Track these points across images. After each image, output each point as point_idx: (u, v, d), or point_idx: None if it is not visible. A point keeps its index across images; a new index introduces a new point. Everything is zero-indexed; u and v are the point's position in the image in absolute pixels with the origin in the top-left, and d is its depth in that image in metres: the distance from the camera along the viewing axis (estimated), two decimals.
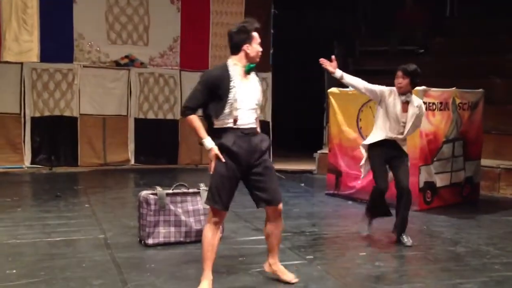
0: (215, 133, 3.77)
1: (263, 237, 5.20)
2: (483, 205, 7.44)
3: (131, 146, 10.01)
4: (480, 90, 7.67)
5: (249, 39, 3.78)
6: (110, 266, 4.35)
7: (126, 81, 9.98)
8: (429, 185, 6.89)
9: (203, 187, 5.03)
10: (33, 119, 9.47)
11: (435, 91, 6.94)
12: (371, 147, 5.28)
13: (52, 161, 9.50)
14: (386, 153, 5.21)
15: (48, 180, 8.59)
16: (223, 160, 3.70)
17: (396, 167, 5.21)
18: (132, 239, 5.14)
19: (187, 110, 3.78)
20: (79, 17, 9.57)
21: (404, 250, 5.07)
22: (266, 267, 4.09)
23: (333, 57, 5.26)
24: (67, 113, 9.65)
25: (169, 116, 10.31)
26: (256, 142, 3.80)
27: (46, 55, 9.41)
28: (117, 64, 9.90)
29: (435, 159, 6.96)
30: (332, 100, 7.69)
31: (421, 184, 6.78)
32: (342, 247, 5.22)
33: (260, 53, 3.83)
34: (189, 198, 5.02)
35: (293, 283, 3.95)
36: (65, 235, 5.22)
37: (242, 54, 3.79)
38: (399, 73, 5.12)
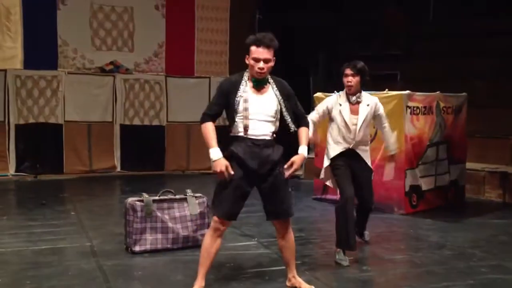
0: (230, 141, 3.77)
1: (251, 242, 5.26)
2: (468, 208, 7.51)
3: (117, 153, 9.97)
4: (464, 93, 7.75)
5: (248, 51, 3.78)
6: (96, 274, 4.32)
7: (111, 88, 9.94)
8: (415, 188, 6.94)
9: (189, 193, 5.02)
10: (17, 126, 9.39)
11: (419, 95, 7.00)
12: (332, 161, 4.89)
13: (37, 168, 9.41)
14: (349, 164, 4.82)
15: (33, 188, 8.52)
16: (230, 172, 3.63)
17: (360, 184, 4.85)
18: (118, 247, 5.11)
19: (204, 116, 3.76)
20: (63, 24, 9.53)
21: (391, 254, 5.10)
22: (288, 283, 4.05)
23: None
24: (52, 120, 9.59)
25: (155, 122, 10.28)
26: (268, 153, 3.74)
27: (30, 62, 9.35)
28: (102, 71, 9.86)
29: (420, 163, 7.02)
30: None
31: (407, 188, 6.82)
32: (330, 252, 5.22)
33: (257, 69, 3.71)
34: (176, 204, 5.01)
35: None
36: (51, 243, 5.17)
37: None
38: (348, 71, 4.80)
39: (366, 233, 5.42)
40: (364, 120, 4.84)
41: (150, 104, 10.24)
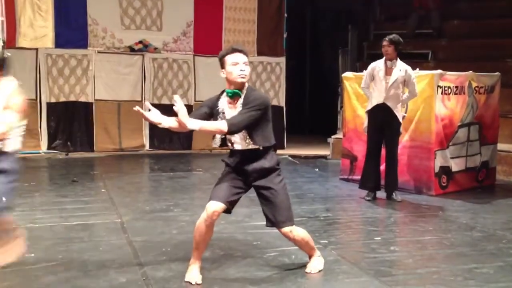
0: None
1: None
2: (499, 190, 7.39)
3: (146, 132, 10.07)
4: (497, 73, 7.57)
5: (222, 65, 3.70)
6: (126, 249, 4.40)
7: (140, 67, 10.00)
8: (445, 169, 6.85)
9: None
10: (48, 104, 9.55)
11: (451, 74, 6.87)
12: (368, 115, 6.32)
13: (68, 146, 9.60)
14: (379, 120, 6.16)
15: (65, 165, 8.68)
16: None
17: (387, 136, 6.22)
18: (148, 223, 5.20)
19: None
20: (93, 3, 9.60)
21: (419, 235, 5.06)
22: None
23: None
24: (82, 99, 9.72)
25: (184, 102, 10.26)
26: (254, 165, 3.70)
27: (61, 41, 9.47)
28: (131, 50, 9.92)
29: (450, 144, 6.91)
30: (346, 84, 7.65)
31: (437, 169, 6.74)
32: (357, 232, 5.22)
33: (240, 71, 3.60)
34: None
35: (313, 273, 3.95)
36: (82, 219, 5.29)
37: (226, 80, 3.73)
38: (385, 43, 6.08)
39: (396, 192, 6.33)
40: (395, 81, 6.05)
41: (178, 83, 10.28)
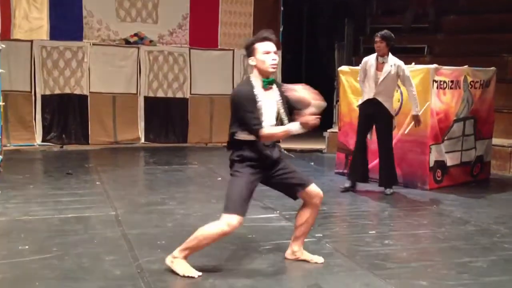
0: (237, 145, 3.68)
1: (272, 215, 5.29)
2: (493, 184, 7.42)
3: (141, 125, 10.05)
4: (492, 68, 7.58)
5: (252, 52, 3.69)
6: (121, 242, 4.40)
7: (135, 59, 9.97)
8: (440, 164, 6.87)
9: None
10: (43, 97, 9.52)
11: (446, 69, 6.87)
12: (359, 109, 6.42)
13: (63, 139, 9.57)
14: (370, 114, 6.24)
15: (59, 158, 8.66)
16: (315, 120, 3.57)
17: (379, 130, 6.30)
18: (143, 216, 5.19)
19: (256, 131, 3.59)
20: None
21: (414, 229, 5.08)
22: (289, 255, 4.04)
23: None
24: (77, 91, 9.69)
25: (179, 95, 10.30)
26: (276, 153, 3.76)
27: (56, 33, 9.43)
28: (126, 42, 9.89)
29: (445, 138, 6.93)
30: (342, 78, 7.64)
31: (432, 163, 6.75)
32: (351, 226, 5.24)
33: (272, 61, 3.64)
34: None
35: (320, 262, 3.97)
36: (77, 212, 5.28)
37: (252, 66, 3.72)
38: (377, 39, 6.14)
39: (389, 189, 6.35)
40: (385, 77, 6.09)
41: (174, 76, 10.26)
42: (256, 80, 3.71)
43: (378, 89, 6.12)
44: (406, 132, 6.65)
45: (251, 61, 3.70)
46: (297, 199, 3.96)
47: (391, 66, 6.11)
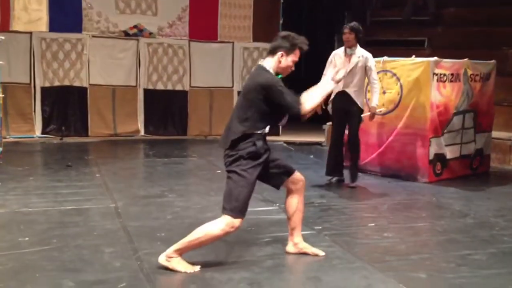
0: (247, 138, 3.60)
1: (272, 208, 5.30)
2: (493, 177, 7.43)
3: (141, 117, 10.05)
4: (493, 61, 7.57)
5: (289, 50, 3.67)
6: (121, 234, 4.40)
7: (135, 52, 9.95)
8: (439, 157, 6.87)
9: None
10: (43, 89, 9.51)
11: (446, 62, 6.86)
12: (331, 104, 6.38)
13: (63, 131, 9.56)
14: (341, 108, 6.23)
15: (59, 150, 8.66)
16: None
17: (349, 122, 6.29)
18: (142, 209, 5.20)
19: (299, 104, 3.60)
20: None
21: (413, 221, 5.09)
22: (291, 249, 4.02)
23: None
24: (76, 83, 9.68)
25: (178, 87, 10.29)
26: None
27: (55, 25, 9.40)
28: (126, 34, 9.86)
29: (445, 131, 6.93)
30: None
31: (431, 156, 6.76)
32: (351, 218, 5.24)
33: (290, 70, 3.73)
34: None
35: (321, 256, 3.97)
36: (77, 204, 5.28)
37: (275, 59, 3.69)
38: (346, 30, 6.17)
39: (355, 182, 6.35)
40: (353, 67, 6.09)
41: (173, 68, 10.24)
42: (271, 71, 3.70)
43: (346, 81, 6.05)
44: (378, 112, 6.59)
45: (280, 55, 3.66)
46: (280, 189, 3.96)
47: (358, 57, 6.13)
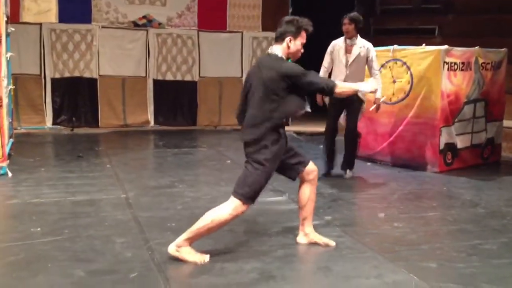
0: (274, 131, 3.61)
1: (281, 198, 5.31)
2: (504, 166, 7.39)
3: (151, 108, 10.07)
4: (504, 49, 7.50)
5: (295, 33, 3.69)
6: (132, 225, 4.43)
7: (144, 42, 9.95)
8: (450, 146, 6.84)
9: None
10: (53, 80, 9.54)
11: (457, 50, 6.81)
12: None
13: (73, 122, 9.61)
14: (340, 99, 5.74)
15: (70, 140, 8.71)
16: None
17: (349, 113, 6.22)
18: (153, 199, 5.23)
19: (330, 81, 3.76)
20: None
21: (423, 211, 5.07)
22: (302, 239, 4.03)
23: None
24: (86, 74, 9.70)
25: (188, 78, 10.29)
26: None
27: (65, 16, 9.41)
28: (135, 25, 9.86)
29: (456, 120, 6.89)
30: None
31: (442, 146, 6.73)
32: (361, 208, 5.25)
33: (300, 53, 3.76)
34: None
35: (332, 246, 3.98)
36: (88, 195, 5.32)
37: (284, 45, 3.70)
38: (346, 21, 6.08)
39: (349, 172, 6.35)
40: (355, 58, 6.03)
41: (183, 59, 10.23)
42: (284, 58, 3.72)
43: (348, 72, 6.01)
44: (371, 110, 6.43)
45: (289, 40, 3.68)
46: (296, 180, 3.96)
47: (360, 48, 6.06)
